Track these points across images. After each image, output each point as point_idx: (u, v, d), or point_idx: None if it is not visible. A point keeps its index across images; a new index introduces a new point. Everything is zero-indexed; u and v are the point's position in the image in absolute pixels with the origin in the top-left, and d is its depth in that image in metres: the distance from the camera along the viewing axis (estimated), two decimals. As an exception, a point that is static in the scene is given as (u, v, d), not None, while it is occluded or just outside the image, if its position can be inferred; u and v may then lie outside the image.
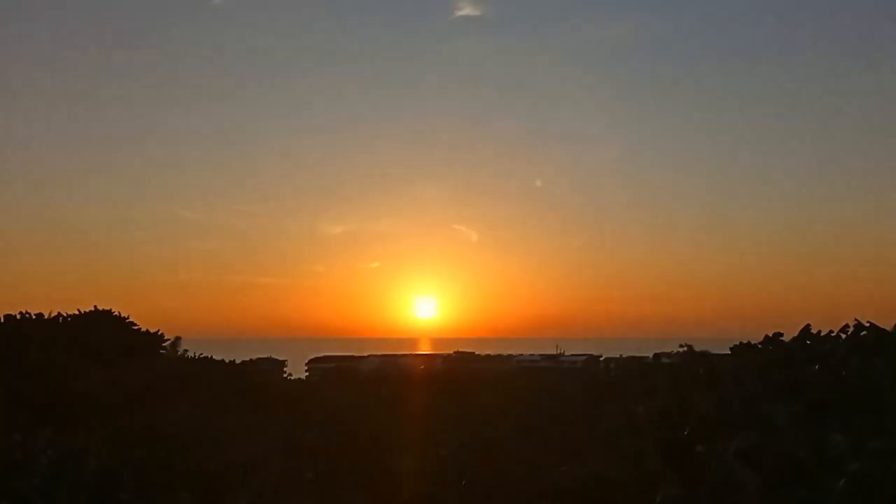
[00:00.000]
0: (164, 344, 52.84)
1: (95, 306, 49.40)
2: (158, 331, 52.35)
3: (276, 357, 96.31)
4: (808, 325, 19.05)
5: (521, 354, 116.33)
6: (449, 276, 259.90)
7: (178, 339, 54.90)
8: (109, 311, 48.99)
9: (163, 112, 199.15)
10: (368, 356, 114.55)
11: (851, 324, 17.88)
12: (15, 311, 44.69)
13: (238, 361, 57.25)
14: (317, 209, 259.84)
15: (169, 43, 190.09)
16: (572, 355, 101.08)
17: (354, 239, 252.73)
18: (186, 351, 54.88)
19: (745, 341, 22.52)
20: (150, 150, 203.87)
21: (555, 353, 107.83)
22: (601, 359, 79.15)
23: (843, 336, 18.00)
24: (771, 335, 20.51)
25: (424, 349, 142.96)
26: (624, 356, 48.32)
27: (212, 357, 54.21)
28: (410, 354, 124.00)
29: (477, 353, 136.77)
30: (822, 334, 18.68)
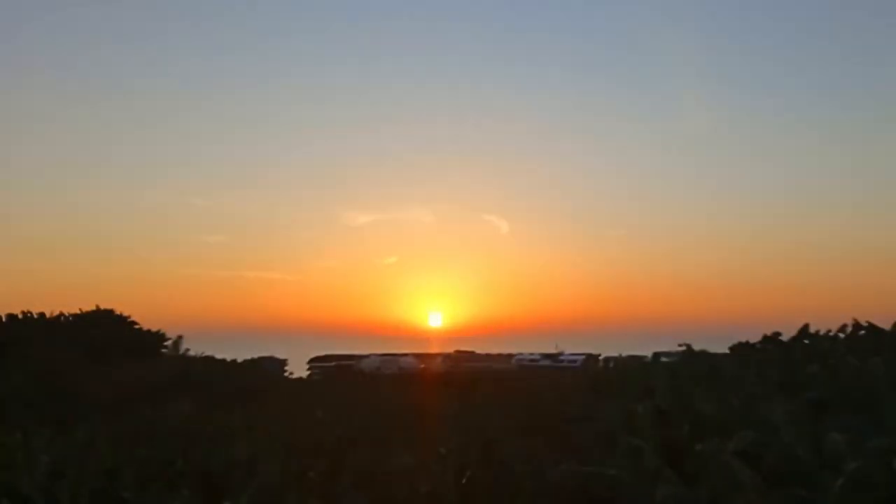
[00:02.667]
0: (165, 343, 53.04)
1: (97, 306, 49.61)
2: (160, 330, 52.60)
3: (278, 356, 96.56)
4: (807, 325, 19.18)
5: (521, 353, 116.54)
6: (473, 271, 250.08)
7: (179, 338, 55.10)
8: (111, 311, 49.18)
9: (176, 92, 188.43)
10: (369, 355, 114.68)
11: (850, 324, 17.99)
12: (17, 311, 44.92)
13: (240, 360, 57.48)
14: (342, 197, 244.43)
15: (184, 19, 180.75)
16: (571, 354, 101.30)
17: (378, 230, 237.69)
18: (188, 350, 55.08)
19: (744, 341, 22.67)
20: (162, 135, 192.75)
21: (554, 351, 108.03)
22: (600, 357, 79.33)
23: (842, 336, 18.12)
24: (770, 335, 20.64)
25: (435, 348, 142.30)
26: (623, 355, 48.37)
27: (213, 356, 54.43)
28: (411, 353, 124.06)
29: (477, 351, 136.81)
30: (820, 334, 18.79)
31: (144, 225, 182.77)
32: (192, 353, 54.94)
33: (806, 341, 18.38)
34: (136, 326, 50.42)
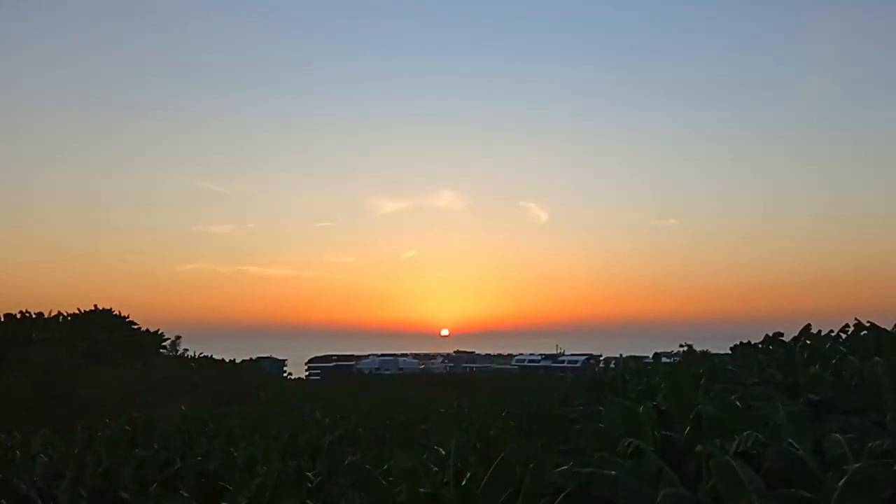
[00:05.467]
0: (164, 343, 53.02)
1: (95, 305, 49.58)
2: (159, 330, 52.61)
3: (277, 356, 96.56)
4: (809, 325, 19.16)
5: (521, 354, 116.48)
6: (497, 265, 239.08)
7: (178, 338, 55.16)
8: (109, 311, 49.12)
9: (192, 69, 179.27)
10: (368, 355, 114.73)
11: (851, 324, 17.97)
12: (15, 311, 44.85)
13: (238, 360, 57.46)
14: (371, 183, 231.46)
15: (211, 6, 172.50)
16: (572, 354, 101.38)
17: (405, 218, 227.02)
18: (186, 350, 55.12)
19: (745, 341, 22.65)
20: (173, 116, 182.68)
21: (555, 352, 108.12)
22: (601, 358, 79.37)
23: (843, 336, 18.09)
24: (771, 335, 20.61)
25: (435, 348, 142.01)
26: (624, 355, 48.50)
27: (212, 356, 54.44)
28: (410, 353, 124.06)
29: (477, 352, 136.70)
30: (822, 334, 18.77)
31: (145, 214, 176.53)
32: (190, 353, 55.03)
33: (808, 341, 18.35)
34: (135, 326, 50.40)
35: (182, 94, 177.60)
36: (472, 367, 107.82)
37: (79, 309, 48.83)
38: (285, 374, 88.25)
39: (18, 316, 44.78)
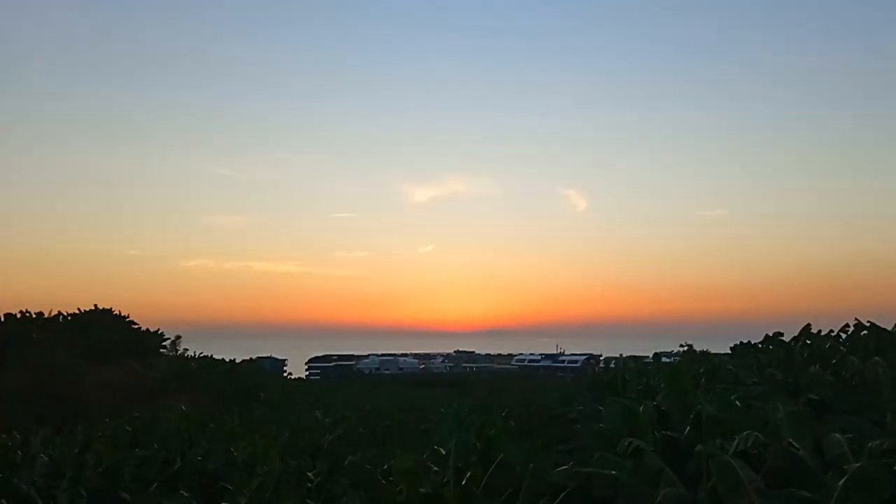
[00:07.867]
0: (164, 343, 52.95)
1: (95, 305, 49.52)
2: (159, 330, 52.51)
3: (277, 356, 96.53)
4: (809, 325, 19.17)
5: (521, 353, 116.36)
6: (529, 254, 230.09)
7: (178, 337, 55.10)
8: (109, 311, 49.04)
9: (205, 47, 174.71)
10: (368, 355, 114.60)
11: (851, 324, 17.98)
12: (15, 311, 44.79)
13: (238, 360, 57.42)
14: (403, 169, 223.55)
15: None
16: (572, 354, 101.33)
17: (437, 207, 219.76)
18: (186, 350, 55.05)
19: (745, 341, 22.66)
20: (184, 92, 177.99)
21: (555, 352, 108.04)
22: (601, 358, 79.34)
23: (843, 336, 18.10)
24: (771, 335, 20.63)
25: (435, 348, 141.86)
26: (624, 355, 48.45)
27: (212, 356, 54.38)
28: (410, 353, 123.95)
29: (477, 352, 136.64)
30: (822, 334, 18.78)
31: (150, 204, 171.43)
32: (190, 352, 54.98)
33: (808, 341, 18.37)
34: (135, 326, 50.33)
35: (192, 75, 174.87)
36: (472, 367, 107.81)
37: (79, 309, 48.77)
38: (285, 374, 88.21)
39: (18, 316, 44.72)
